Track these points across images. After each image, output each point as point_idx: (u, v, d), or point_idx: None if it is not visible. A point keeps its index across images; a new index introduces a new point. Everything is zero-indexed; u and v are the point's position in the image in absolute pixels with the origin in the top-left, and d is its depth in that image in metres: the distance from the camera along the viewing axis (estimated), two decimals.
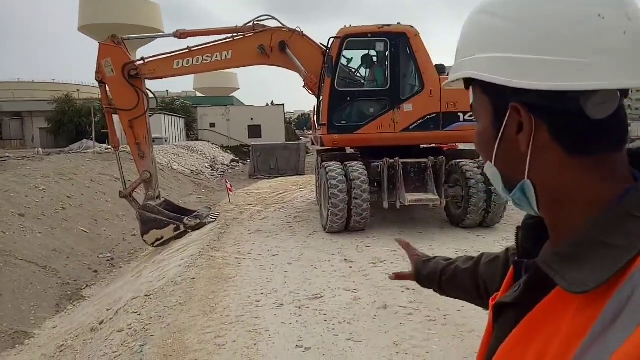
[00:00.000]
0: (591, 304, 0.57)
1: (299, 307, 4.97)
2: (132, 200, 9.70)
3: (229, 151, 44.01)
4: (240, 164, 38.15)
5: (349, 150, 9.97)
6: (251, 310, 4.97)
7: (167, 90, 73.16)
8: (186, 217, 9.60)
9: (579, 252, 0.61)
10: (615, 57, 0.60)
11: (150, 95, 9.35)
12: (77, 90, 47.80)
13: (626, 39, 0.61)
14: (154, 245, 9.43)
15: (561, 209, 0.67)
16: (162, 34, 11.81)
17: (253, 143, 31.17)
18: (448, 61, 8.89)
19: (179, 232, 9.33)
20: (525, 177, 0.68)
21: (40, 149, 31.95)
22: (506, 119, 0.68)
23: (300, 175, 25.36)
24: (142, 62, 8.82)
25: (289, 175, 25.21)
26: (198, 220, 9.65)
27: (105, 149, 27.00)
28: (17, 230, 10.94)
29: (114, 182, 18.59)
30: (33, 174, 16.01)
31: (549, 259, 0.64)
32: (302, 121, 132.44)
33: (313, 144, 12.68)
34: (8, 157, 24.33)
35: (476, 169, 8.12)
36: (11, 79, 76.71)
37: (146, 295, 5.74)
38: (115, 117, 9.44)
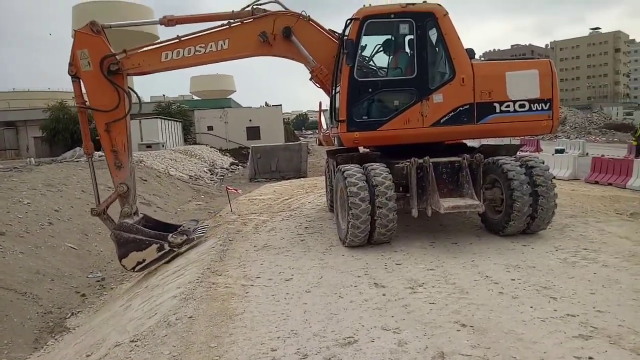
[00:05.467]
0: None
1: None
2: (106, 219, 8.42)
3: (227, 154, 42.99)
4: (240, 166, 37.07)
5: (362, 150, 8.78)
6: None
7: (164, 95, 72.11)
8: (170, 234, 8.33)
9: None
10: None
11: (134, 96, 8.05)
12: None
13: None
14: (135, 270, 8.16)
15: None
16: (147, 20, 10.48)
17: (253, 145, 30.02)
18: (474, 46, 7.71)
19: (163, 252, 8.07)
20: None
21: (32, 159, 30.80)
22: None
23: (303, 177, 24.26)
24: (124, 54, 7.63)
25: (291, 177, 24.10)
26: (185, 237, 8.42)
27: (99, 157, 25.85)
28: None
29: (107, 192, 17.40)
30: (19, 186, 14.83)
31: None
32: (299, 121, 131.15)
33: (320, 144, 11.48)
34: None
35: (519, 168, 6.95)
36: (6, 88, 76.06)
37: (132, 341, 4.57)
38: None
